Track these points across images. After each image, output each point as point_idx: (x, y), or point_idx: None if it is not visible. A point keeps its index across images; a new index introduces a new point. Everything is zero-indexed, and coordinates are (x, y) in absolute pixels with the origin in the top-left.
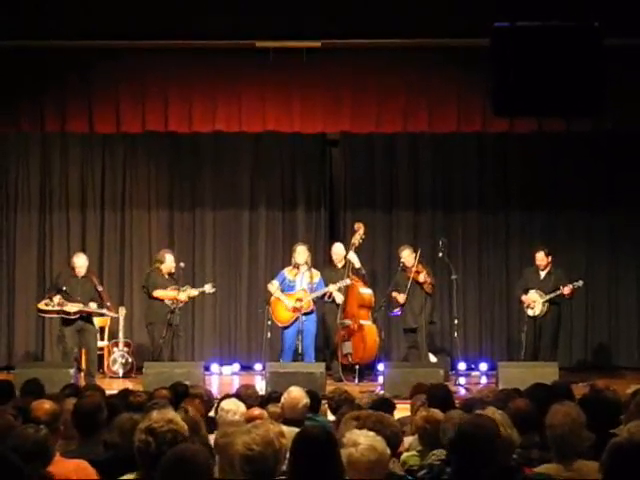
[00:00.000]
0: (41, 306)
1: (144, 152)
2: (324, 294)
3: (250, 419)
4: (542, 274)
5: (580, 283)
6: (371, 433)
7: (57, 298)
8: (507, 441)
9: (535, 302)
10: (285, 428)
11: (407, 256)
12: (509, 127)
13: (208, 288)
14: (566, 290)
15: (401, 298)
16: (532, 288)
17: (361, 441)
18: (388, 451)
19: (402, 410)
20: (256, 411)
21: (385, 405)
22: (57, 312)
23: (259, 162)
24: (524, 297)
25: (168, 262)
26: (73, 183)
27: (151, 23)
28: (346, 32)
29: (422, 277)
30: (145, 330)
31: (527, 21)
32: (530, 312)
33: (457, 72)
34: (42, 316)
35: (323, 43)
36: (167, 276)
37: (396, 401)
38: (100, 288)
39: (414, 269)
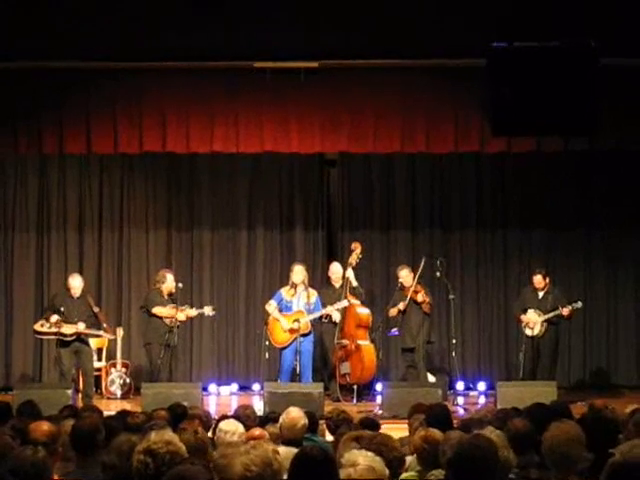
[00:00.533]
0: (37, 327)
1: (142, 173)
2: (322, 315)
3: (251, 440)
4: (540, 294)
5: (579, 304)
6: (370, 453)
7: (54, 318)
8: (504, 461)
9: (534, 322)
10: (283, 449)
11: (405, 276)
12: (507, 147)
13: (208, 310)
14: (565, 311)
15: (394, 310)
16: (530, 308)
17: (360, 461)
18: (387, 472)
19: (401, 430)
20: (257, 431)
21: (370, 424)
22: (54, 333)
23: (257, 182)
24: (523, 317)
25: (169, 282)
26: (71, 204)
27: (149, 44)
28: (343, 53)
29: (420, 297)
30: (143, 351)
31: (524, 41)
32: (529, 332)
33: (455, 92)
34: (38, 338)
35: (320, 63)
36: (167, 296)
37: (394, 421)
38: (96, 309)
39: (412, 289)
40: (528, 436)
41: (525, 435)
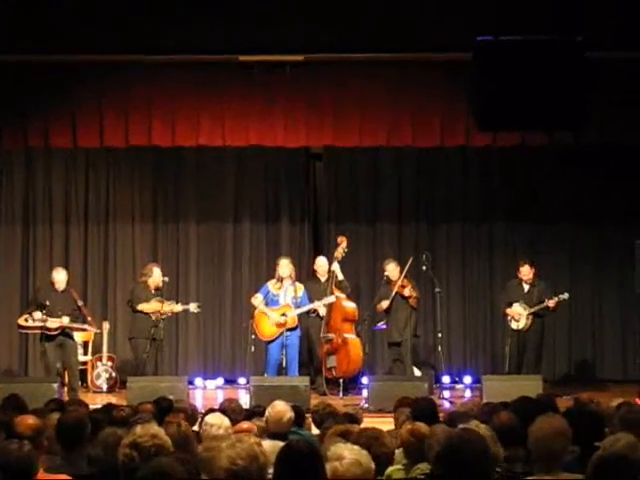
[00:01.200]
0: (21, 322)
1: (127, 166)
2: (308, 310)
3: (239, 433)
4: (526, 287)
5: (566, 296)
6: (356, 447)
7: (38, 314)
8: (492, 455)
9: (520, 315)
10: (269, 442)
11: (392, 270)
12: (492, 141)
13: (193, 307)
14: (551, 303)
15: (384, 304)
16: (516, 301)
17: (346, 455)
18: (373, 466)
19: (386, 424)
20: (245, 425)
21: (350, 420)
22: (38, 328)
23: (243, 176)
24: (508, 310)
25: (156, 276)
26: (57, 197)
27: (134, 38)
28: (329, 46)
29: (407, 291)
30: (129, 344)
31: (509, 35)
32: (514, 325)
33: (440, 86)
34: (22, 332)
35: (306, 57)
36: (154, 290)
37: (380, 415)
38: (80, 303)
39: (399, 283)
40: (514, 430)
41: (511, 429)
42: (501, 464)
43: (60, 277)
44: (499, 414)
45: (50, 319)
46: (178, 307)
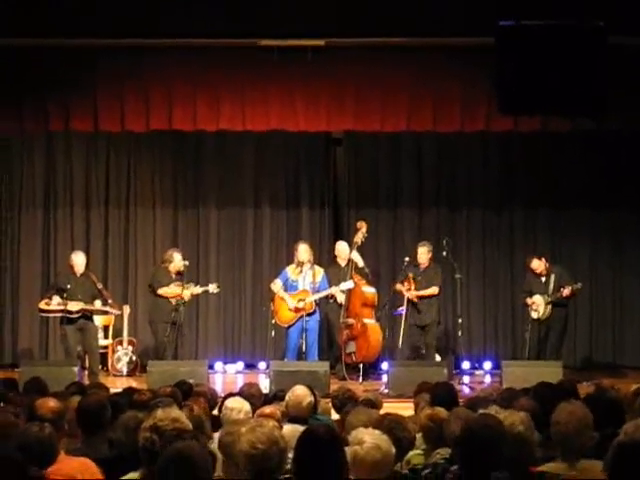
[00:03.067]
0: (42, 306)
1: (148, 150)
2: (327, 295)
3: (262, 417)
4: (542, 278)
5: (579, 285)
6: (377, 432)
7: (56, 299)
8: (527, 439)
9: (538, 305)
10: (289, 426)
11: (422, 253)
12: (513, 126)
13: (212, 288)
14: (565, 292)
15: (407, 287)
16: (537, 291)
17: (366, 439)
18: (393, 450)
19: (406, 409)
20: (267, 409)
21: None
22: (60, 311)
23: (263, 161)
24: (529, 299)
25: (176, 261)
26: (77, 182)
27: (155, 22)
28: (350, 31)
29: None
30: (149, 328)
31: (532, 20)
32: (534, 314)
33: (461, 71)
34: (44, 316)
35: (327, 42)
36: (175, 275)
37: (400, 400)
38: (100, 286)
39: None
40: (534, 415)
41: (531, 414)
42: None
43: (79, 260)
44: (519, 400)
45: (70, 302)
46: (198, 289)
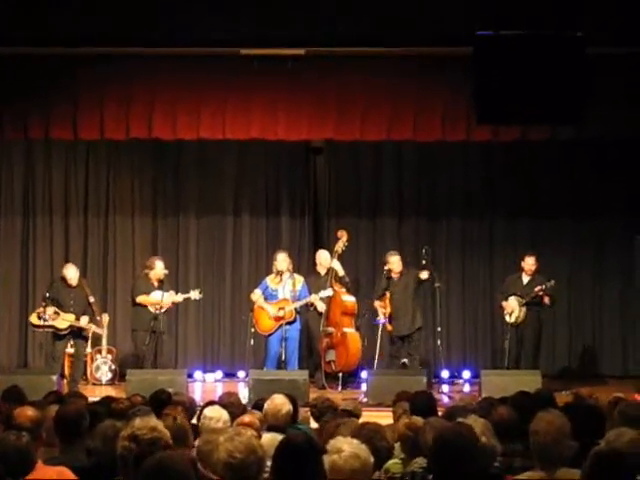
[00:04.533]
0: (34, 320)
1: (128, 159)
2: (306, 303)
3: (242, 425)
4: (525, 279)
5: (552, 282)
6: (355, 441)
7: (50, 309)
8: (489, 449)
9: (512, 308)
10: (268, 435)
11: (395, 262)
12: (493, 135)
13: (194, 294)
14: (537, 289)
15: (382, 305)
16: (514, 294)
17: (345, 448)
18: (372, 460)
19: (385, 418)
20: (247, 418)
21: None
22: (50, 326)
23: (243, 169)
24: (504, 303)
25: (158, 269)
26: (57, 190)
27: (136, 30)
28: (330, 40)
29: (425, 274)
30: (128, 337)
31: (510, 30)
32: (508, 319)
33: (442, 80)
34: (34, 330)
35: (307, 51)
36: (156, 283)
37: (379, 409)
38: (92, 299)
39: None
40: (512, 424)
41: (509, 423)
42: (499, 459)
43: (71, 273)
44: (497, 409)
45: (63, 314)
46: (179, 297)
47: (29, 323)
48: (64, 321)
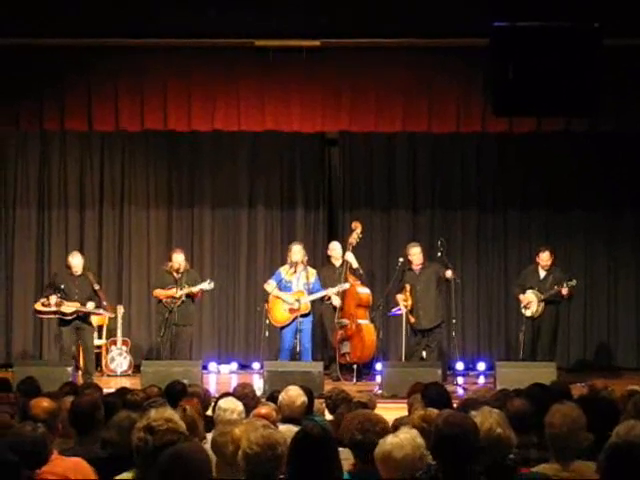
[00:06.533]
0: (38, 307)
1: (143, 150)
2: (322, 297)
3: (258, 417)
4: (542, 273)
5: (573, 282)
6: (408, 429)
7: (54, 298)
8: (504, 441)
9: (530, 302)
10: (283, 427)
11: (417, 254)
12: (508, 127)
13: (206, 285)
14: (564, 291)
15: (404, 298)
16: (531, 287)
17: (398, 435)
18: (422, 448)
19: (400, 409)
20: (263, 409)
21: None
22: (54, 312)
23: (258, 161)
24: (521, 296)
25: (176, 260)
26: (72, 181)
27: (151, 21)
28: (345, 31)
29: (450, 273)
30: (143, 328)
31: (527, 21)
32: (527, 312)
33: (457, 72)
34: (39, 317)
35: (322, 42)
36: (176, 274)
37: (394, 400)
38: (97, 287)
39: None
40: (528, 416)
41: (525, 415)
42: (514, 450)
43: (76, 261)
44: (513, 400)
45: (66, 303)
46: (193, 289)
47: (33, 310)
48: (70, 306)
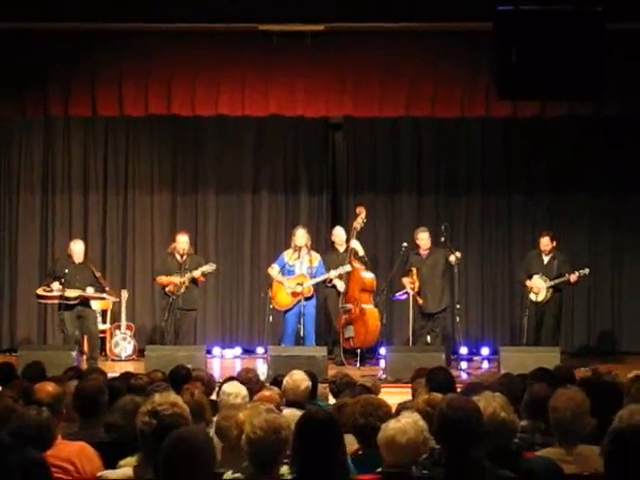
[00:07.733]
0: (40, 292)
1: (147, 135)
2: (324, 280)
3: (262, 401)
4: (545, 259)
5: (586, 271)
6: (411, 413)
7: (56, 284)
8: (508, 425)
9: (539, 288)
10: (287, 411)
11: (425, 238)
12: (512, 111)
13: (207, 267)
14: (573, 277)
15: (411, 281)
16: (536, 273)
17: (400, 420)
18: (426, 432)
19: (404, 394)
20: (267, 393)
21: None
22: (57, 297)
23: (262, 146)
24: (528, 282)
25: (180, 242)
26: (76, 167)
27: (154, 6)
28: (350, 16)
29: (453, 258)
30: (147, 313)
31: (530, 4)
32: (533, 297)
33: (461, 56)
34: (42, 302)
35: (326, 26)
36: (180, 257)
37: (398, 385)
38: (98, 274)
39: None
40: (543, 402)
41: (544, 401)
42: (521, 435)
43: (77, 248)
44: (534, 385)
45: (68, 290)
46: (195, 273)
47: (35, 295)
48: (73, 291)
